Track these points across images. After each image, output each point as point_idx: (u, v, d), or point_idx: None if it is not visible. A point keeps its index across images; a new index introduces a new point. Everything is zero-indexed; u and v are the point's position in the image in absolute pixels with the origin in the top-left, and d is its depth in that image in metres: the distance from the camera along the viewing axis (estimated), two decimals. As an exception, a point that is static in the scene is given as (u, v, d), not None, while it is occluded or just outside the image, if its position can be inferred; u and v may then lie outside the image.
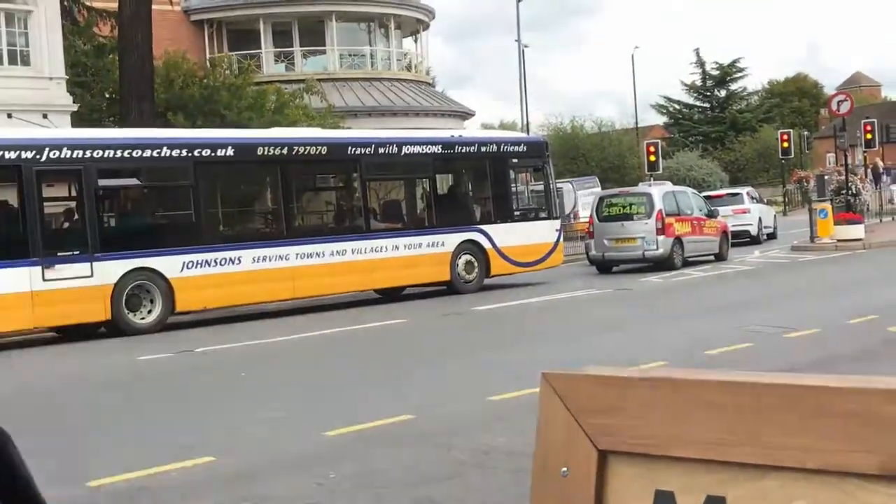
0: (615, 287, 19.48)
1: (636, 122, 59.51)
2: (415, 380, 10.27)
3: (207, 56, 34.89)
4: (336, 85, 35.83)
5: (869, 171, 40.62)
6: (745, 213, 30.72)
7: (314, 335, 14.64)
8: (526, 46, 41.26)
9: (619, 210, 23.05)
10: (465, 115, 41.64)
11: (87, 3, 27.70)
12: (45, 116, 22.53)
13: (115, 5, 24.41)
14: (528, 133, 39.33)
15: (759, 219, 31.30)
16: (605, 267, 23.27)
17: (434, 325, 15.82)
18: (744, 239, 29.65)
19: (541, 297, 18.23)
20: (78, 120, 24.05)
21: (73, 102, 24.11)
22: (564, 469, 1.26)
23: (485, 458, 6.67)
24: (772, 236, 32.11)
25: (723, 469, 1.19)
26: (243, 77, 29.55)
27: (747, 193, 32.30)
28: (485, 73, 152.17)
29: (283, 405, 9.14)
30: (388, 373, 10.88)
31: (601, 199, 23.91)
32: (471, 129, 39.46)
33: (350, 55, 38.80)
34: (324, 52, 38.12)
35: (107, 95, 27.43)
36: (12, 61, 23.31)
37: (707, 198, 29.26)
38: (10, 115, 21.82)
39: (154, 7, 24.54)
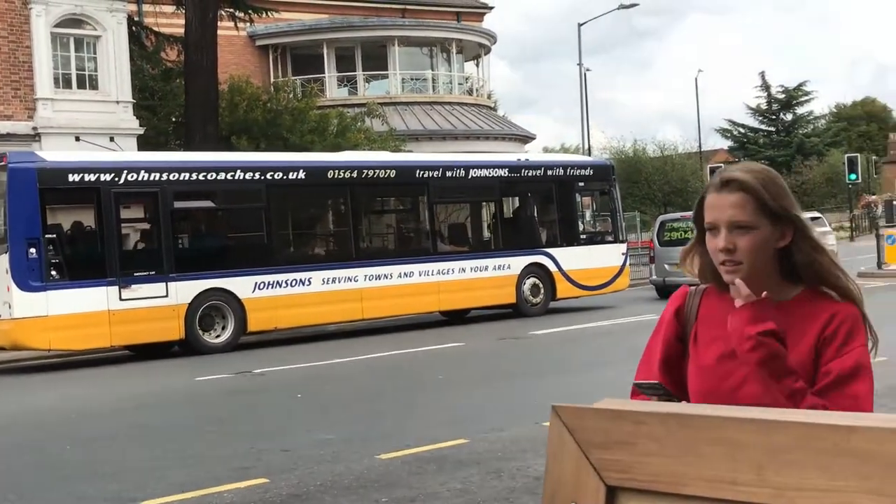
0: (676, 312, 19.24)
1: (700, 146, 58.93)
2: (468, 404, 10.24)
3: (271, 80, 35.35)
4: (398, 108, 36.05)
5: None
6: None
7: (372, 357, 14.70)
8: (588, 70, 41.22)
9: (682, 234, 22.82)
10: (526, 138, 41.57)
11: (155, 29, 28.25)
12: (111, 139, 23.00)
13: (182, 31, 24.90)
14: (589, 156, 39.14)
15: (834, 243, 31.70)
16: (666, 291, 23.02)
17: (490, 349, 15.78)
18: None
19: (603, 322, 18.10)
20: (143, 143, 24.49)
21: (140, 126, 24.56)
22: (573, 504, 1.25)
23: (537, 483, 6.62)
24: None
25: (733, 508, 1.16)
26: (306, 101, 29.86)
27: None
28: (548, 96, 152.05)
29: (337, 427, 9.17)
30: (441, 396, 10.87)
31: (662, 223, 23.70)
32: (533, 153, 39.42)
33: (412, 79, 39.03)
34: (386, 77, 38.40)
35: (173, 119, 27.89)
36: (81, 85, 23.86)
37: None
38: (77, 138, 22.31)
39: (220, 32, 24.99)
